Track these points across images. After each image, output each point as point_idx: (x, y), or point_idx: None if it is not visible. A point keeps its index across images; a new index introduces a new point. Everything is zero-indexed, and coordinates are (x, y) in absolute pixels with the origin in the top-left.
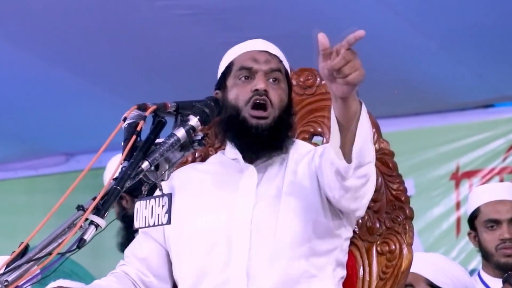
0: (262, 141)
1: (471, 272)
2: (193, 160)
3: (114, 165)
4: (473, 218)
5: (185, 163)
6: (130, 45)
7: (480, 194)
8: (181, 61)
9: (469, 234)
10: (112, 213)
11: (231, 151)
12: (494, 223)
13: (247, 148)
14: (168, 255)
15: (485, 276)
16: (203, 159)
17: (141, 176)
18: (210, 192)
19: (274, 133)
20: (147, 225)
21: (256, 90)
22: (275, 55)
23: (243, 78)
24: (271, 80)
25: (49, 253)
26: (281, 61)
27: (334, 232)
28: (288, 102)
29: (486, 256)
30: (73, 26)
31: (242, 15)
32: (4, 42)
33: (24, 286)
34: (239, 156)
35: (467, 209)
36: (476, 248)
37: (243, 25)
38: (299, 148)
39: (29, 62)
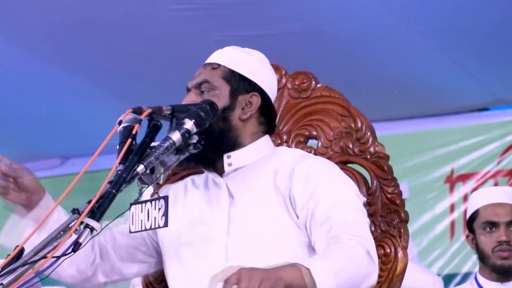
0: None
1: (466, 276)
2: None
3: None
4: (471, 221)
5: (180, 166)
6: (125, 43)
7: (479, 197)
8: (177, 59)
9: (467, 236)
10: (106, 216)
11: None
12: (492, 225)
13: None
14: (143, 246)
15: (482, 280)
16: None
17: (136, 179)
18: (197, 205)
19: (206, 141)
20: (143, 228)
21: None
22: (210, 64)
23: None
24: (203, 92)
25: (44, 256)
26: (216, 67)
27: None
28: (228, 104)
29: (482, 258)
30: (69, 24)
31: (238, 12)
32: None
33: None
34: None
35: (467, 211)
36: (473, 251)
37: (239, 23)
38: (282, 157)
39: (24, 63)
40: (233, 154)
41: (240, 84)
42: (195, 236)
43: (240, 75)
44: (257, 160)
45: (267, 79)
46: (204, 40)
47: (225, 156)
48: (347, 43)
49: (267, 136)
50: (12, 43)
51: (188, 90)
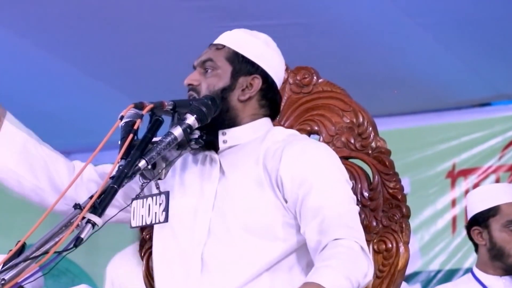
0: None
1: (467, 271)
2: None
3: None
4: (488, 216)
5: None
6: (127, 35)
7: (500, 192)
8: (179, 50)
9: (473, 230)
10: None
11: None
12: None
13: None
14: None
15: (480, 274)
16: None
17: (138, 174)
18: (187, 177)
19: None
20: (144, 223)
21: (186, 85)
22: (215, 44)
23: None
24: (206, 70)
25: (46, 252)
26: (221, 48)
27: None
28: (229, 84)
29: (498, 255)
30: (71, 15)
31: (241, 3)
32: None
33: (20, 285)
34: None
35: (474, 205)
36: (482, 244)
37: (242, 13)
38: (274, 136)
39: (27, 57)
40: (228, 131)
41: (242, 65)
42: (185, 208)
43: (243, 57)
44: (252, 139)
45: (271, 63)
46: (207, 30)
47: (220, 132)
48: (348, 36)
49: (266, 118)
50: (13, 35)
51: (194, 68)
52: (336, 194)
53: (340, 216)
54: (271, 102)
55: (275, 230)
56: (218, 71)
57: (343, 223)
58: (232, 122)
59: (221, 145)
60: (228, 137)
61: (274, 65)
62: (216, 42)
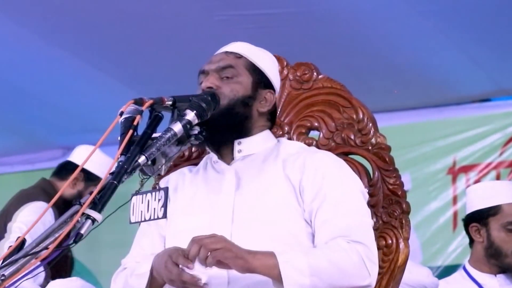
0: (212, 129)
1: None
2: (190, 155)
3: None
4: (488, 214)
5: (181, 157)
6: (128, 25)
7: (502, 192)
8: (180, 39)
9: (472, 227)
10: (109, 207)
11: (212, 153)
12: None
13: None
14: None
15: (473, 271)
16: (200, 154)
17: (137, 170)
18: (196, 194)
19: (222, 120)
20: (143, 219)
21: (202, 89)
22: (232, 52)
23: (200, 81)
24: (224, 77)
25: (46, 247)
26: (239, 57)
27: None
28: (250, 93)
29: (495, 254)
30: (74, 4)
31: None
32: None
33: (20, 281)
34: (215, 157)
35: (474, 201)
36: (479, 241)
37: (242, 2)
38: (287, 148)
39: (29, 52)
40: (243, 141)
41: (260, 78)
42: (197, 225)
43: (260, 70)
44: (263, 150)
45: (277, 79)
46: (207, 19)
47: (235, 142)
48: (347, 25)
49: (269, 130)
50: (13, 24)
51: (203, 73)
52: (348, 206)
53: (350, 227)
54: (273, 117)
55: (302, 239)
56: (239, 79)
57: (352, 235)
58: (247, 131)
59: (236, 155)
60: (243, 146)
61: (278, 81)
62: (230, 50)
